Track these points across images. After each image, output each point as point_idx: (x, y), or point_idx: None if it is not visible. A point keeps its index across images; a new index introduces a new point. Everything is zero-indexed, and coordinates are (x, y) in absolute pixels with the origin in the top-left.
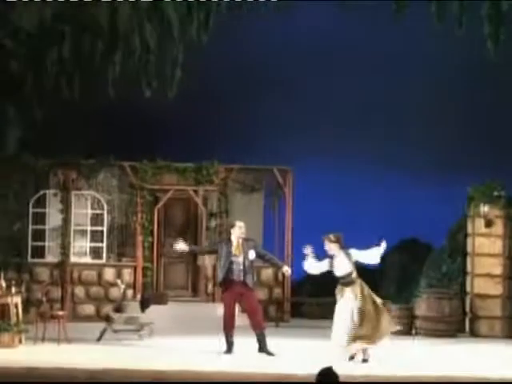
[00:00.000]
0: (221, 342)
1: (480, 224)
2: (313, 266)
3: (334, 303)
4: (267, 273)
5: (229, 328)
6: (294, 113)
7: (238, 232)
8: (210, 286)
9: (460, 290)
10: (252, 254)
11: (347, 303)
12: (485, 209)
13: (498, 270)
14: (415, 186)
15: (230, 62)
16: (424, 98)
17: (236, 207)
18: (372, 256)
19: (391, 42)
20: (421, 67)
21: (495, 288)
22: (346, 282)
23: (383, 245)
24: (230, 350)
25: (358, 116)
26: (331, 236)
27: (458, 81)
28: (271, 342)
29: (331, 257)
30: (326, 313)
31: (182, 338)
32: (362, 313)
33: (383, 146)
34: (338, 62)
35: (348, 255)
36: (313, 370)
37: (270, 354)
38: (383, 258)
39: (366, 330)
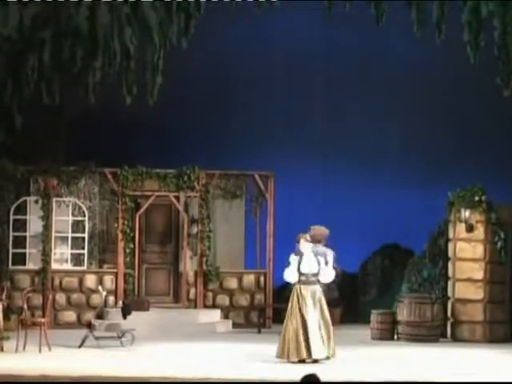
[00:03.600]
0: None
1: (461, 229)
2: (291, 275)
3: None
4: (249, 279)
5: None
6: (275, 117)
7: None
8: (191, 292)
9: (441, 295)
10: None
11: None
12: (466, 214)
13: (479, 274)
14: (398, 191)
15: (210, 66)
16: (410, 99)
17: (217, 213)
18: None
19: (374, 42)
20: (408, 67)
21: (476, 293)
22: (310, 281)
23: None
24: None
25: (340, 119)
26: (307, 235)
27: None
28: (254, 348)
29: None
30: None
31: (163, 345)
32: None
33: (367, 150)
34: (320, 63)
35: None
36: (295, 375)
37: None
38: (365, 262)
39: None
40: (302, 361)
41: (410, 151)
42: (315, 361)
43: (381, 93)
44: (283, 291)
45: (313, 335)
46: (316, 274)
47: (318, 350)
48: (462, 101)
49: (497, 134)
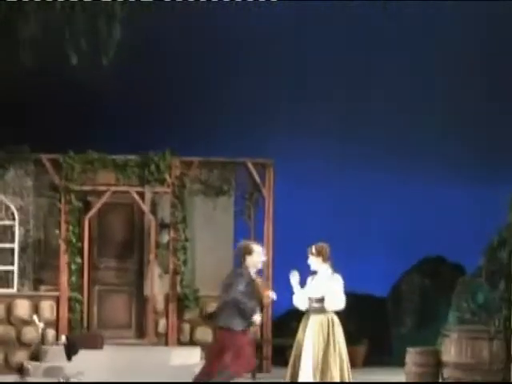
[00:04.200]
0: None
1: None
2: (301, 299)
3: None
4: None
5: None
6: (276, 91)
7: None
8: (161, 324)
9: (503, 327)
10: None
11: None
12: None
13: None
14: (442, 188)
15: (188, 32)
16: (457, 72)
17: (197, 216)
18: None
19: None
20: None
21: None
22: (314, 308)
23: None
24: None
25: (357, 95)
26: (313, 248)
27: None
28: None
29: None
30: None
31: None
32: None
33: (397, 132)
34: (315, 38)
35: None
36: None
37: None
38: (397, 283)
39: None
40: None
41: (458, 137)
42: None
43: (416, 65)
44: (287, 321)
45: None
46: (321, 300)
47: None
48: None
49: None
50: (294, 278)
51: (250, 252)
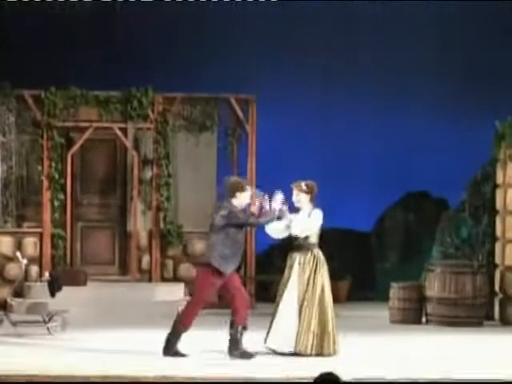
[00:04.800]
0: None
1: None
2: (275, 228)
3: None
4: None
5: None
6: (255, 28)
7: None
8: (144, 260)
9: (487, 262)
10: None
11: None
12: None
13: None
14: (425, 122)
15: None
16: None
17: (180, 152)
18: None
19: None
20: None
21: None
22: (298, 245)
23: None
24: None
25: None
26: (303, 184)
27: None
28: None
29: (297, 211)
30: None
31: (105, 332)
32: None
33: (383, 70)
34: None
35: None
36: (292, 372)
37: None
38: (381, 218)
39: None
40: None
41: (444, 69)
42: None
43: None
44: (270, 258)
45: (279, 321)
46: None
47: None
48: None
49: None
50: (278, 199)
51: (241, 190)
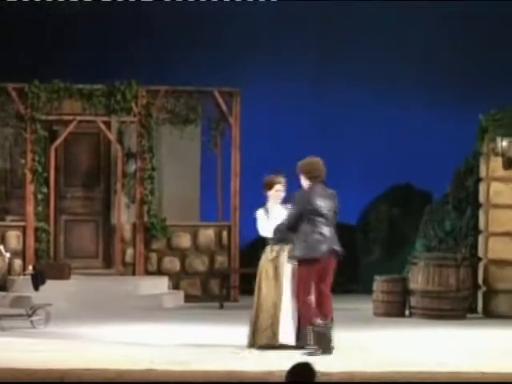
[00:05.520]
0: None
1: (497, 165)
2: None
3: None
4: (207, 234)
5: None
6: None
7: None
8: (128, 254)
9: (470, 255)
10: None
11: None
12: (503, 144)
13: None
14: (410, 115)
15: None
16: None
17: (163, 145)
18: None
19: None
20: None
21: None
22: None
23: None
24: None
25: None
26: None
27: None
28: (215, 330)
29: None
30: None
31: (89, 326)
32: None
33: (368, 61)
34: None
35: None
36: (268, 366)
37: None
38: (366, 211)
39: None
40: (271, 346)
41: (431, 61)
42: (282, 346)
43: None
44: (254, 251)
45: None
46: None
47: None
48: None
49: None
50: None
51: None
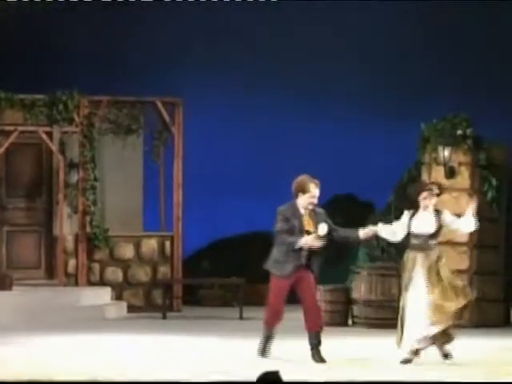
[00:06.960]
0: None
1: (439, 174)
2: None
3: (240, 286)
4: (150, 245)
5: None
6: (180, 28)
7: (309, 198)
8: (70, 264)
9: None
10: (323, 229)
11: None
12: (445, 153)
13: (462, 236)
14: (351, 125)
15: None
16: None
17: (106, 155)
18: None
19: None
20: None
21: (460, 261)
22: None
23: None
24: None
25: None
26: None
27: None
28: (158, 340)
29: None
30: (229, 299)
31: (31, 338)
32: None
33: (311, 73)
34: None
35: None
36: (214, 377)
37: (323, 361)
38: None
39: None
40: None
41: (367, 71)
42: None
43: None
44: (197, 261)
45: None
46: None
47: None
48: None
49: (493, 52)
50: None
51: (303, 190)
